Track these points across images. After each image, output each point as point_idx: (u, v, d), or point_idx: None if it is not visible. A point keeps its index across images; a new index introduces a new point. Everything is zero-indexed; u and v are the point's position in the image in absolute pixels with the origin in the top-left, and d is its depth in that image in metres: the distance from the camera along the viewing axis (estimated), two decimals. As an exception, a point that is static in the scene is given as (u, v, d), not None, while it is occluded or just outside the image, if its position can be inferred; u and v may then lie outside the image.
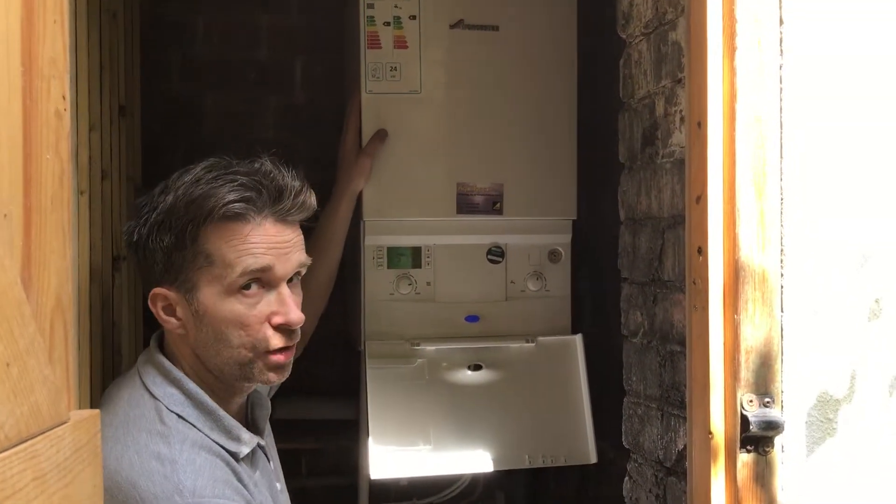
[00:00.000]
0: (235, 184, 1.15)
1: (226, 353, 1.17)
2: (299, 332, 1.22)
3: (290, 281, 1.21)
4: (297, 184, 1.20)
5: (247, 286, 1.16)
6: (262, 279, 1.17)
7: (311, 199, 1.23)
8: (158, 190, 1.19)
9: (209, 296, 1.15)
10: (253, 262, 1.15)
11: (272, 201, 1.17)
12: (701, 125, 0.99)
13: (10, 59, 0.69)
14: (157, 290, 1.18)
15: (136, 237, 1.19)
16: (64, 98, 0.79)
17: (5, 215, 0.67)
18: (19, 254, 0.69)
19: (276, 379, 1.22)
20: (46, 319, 0.74)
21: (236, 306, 1.15)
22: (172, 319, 1.19)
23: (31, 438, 0.66)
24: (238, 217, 1.15)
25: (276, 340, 1.18)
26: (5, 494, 0.61)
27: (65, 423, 0.73)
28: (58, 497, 0.70)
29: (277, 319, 1.17)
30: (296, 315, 1.18)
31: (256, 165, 1.20)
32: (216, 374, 1.20)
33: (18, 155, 0.70)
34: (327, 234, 1.65)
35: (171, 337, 1.22)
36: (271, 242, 1.17)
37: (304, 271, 1.25)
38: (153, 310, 1.19)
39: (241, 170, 1.19)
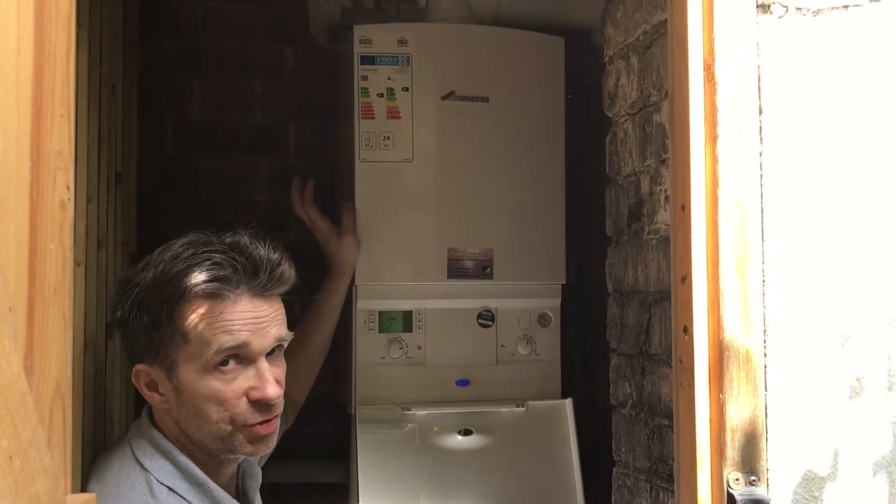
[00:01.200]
0: (210, 262, 1.16)
1: (206, 428, 1.18)
2: (281, 404, 1.22)
3: (271, 353, 1.21)
4: (275, 256, 1.21)
5: (224, 362, 1.16)
6: (240, 355, 1.17)
7: (290, 272, 1.23)
8: (141, 266, 1.21)
9: (187, 373, 1.16)
10: (229, 339, 1.15)
11: (248, 277, 1.18)
12: (685, 208, 1.03)
13: (19, 155, 0.72)
14: (140, 366, 1.19)
15: (119, 314, 1.21)
16: (68, 188, 0.81)
17: (10, 308, 0.69)
18: (23, 345, 0.71)
19: (258, 451, 1.22)
20: (46, 406, 0.75)
21: (213, 383, 1.16)
22: (155, 395, 1.20)
23: (30, 529, 0.68)
24: (212, 295, 1.15)
25: (254, 415, 1.18)
26: (3, 588, 0.62)
27: (62, 510, 0.75)
28: (54, 586, 0.71)
29: (255, 395, 1.17)
30: (273, 390, 1.18)
31: (234, 240, 1.21)
32: (201, 447, 1.21)
33: (25, 248, 0.72)
34: (325, 307, 1.68)
35: (157, 411, 1.23)
36: (247, 319, 1.17)
37: (285, 344, 1.25)
38: (136, 386, 1.21)
39: (217, 246, 1.20)
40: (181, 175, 2.28)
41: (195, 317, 1.15)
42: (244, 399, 1.17)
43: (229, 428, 1.17)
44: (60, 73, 0.80)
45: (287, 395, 1.26)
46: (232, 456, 1.23)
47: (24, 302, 0.72)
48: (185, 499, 1.18)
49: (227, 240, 1.22)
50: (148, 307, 1.16)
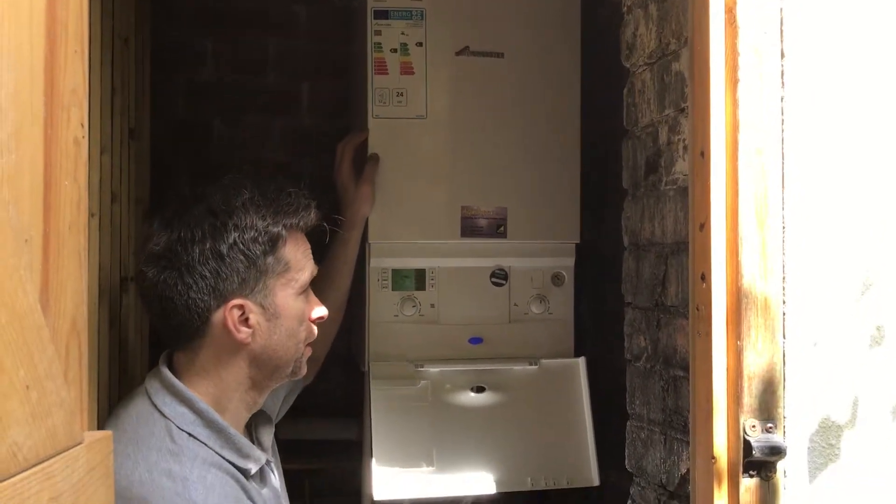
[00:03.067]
0: (302, 198, 1.29)
1: (292, 348, 1.28)
2: None
3: None
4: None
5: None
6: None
7: None
8: (224, 211, 1.23)
9: (285, 298, 1.26)
10: (313, 266, 1.31)
11: (309, 212, 1.31)
12: (704, 155, 1.01)
13: (33, 88, 0.71)
14: (236, 301, 1.23)
15: (208, 258, 1.21)
16: (82, 126, 0.81)
17: (26, 240, 0.69)
18: (38, 278, 0.71)
19: (305, 372, 1.34)
20: (63, 342, 0.75)
21: (302, 304, 1.29)
22: (244, 328, 1.23)
23: (48, 459, 0.68)
24: (301, 228, 1.29)
25: (316, 331, 1.32)
26: (23, 515, 0.62)
27: (79, 444, 0.75)
28: (72, 517, 0.71)
29: (319, 313, 1.31)
30: (325, 308, 1.33)
31: (290, 180, 1.31)
32: (268, 374, 1.27)
33: (39, 182, 0.72)
34: (339, 263, 1.68)
35: (218, 352, 1.24)
36: (309, 248, 1.32)
37: None
38: (230, 322, 1.22)
39: (294, 187, 1.30)
40: (194, 135, 2.27)
41: (294, 247, 1.28)
42: (308, 319, 1.31)
43: (302, 347, 1.30)
44: (74, 8, 0.79)
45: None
46: (285, 380, 1.32)
47: (39, 236, 0.71)
48: (205, 444, 1.19)
49: (285, 179, 1.31)
50: (258, 240, 1.23)
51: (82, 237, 0.80)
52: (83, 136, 0.80)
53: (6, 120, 0.66)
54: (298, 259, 1.28)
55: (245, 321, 1.23)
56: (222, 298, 1.22)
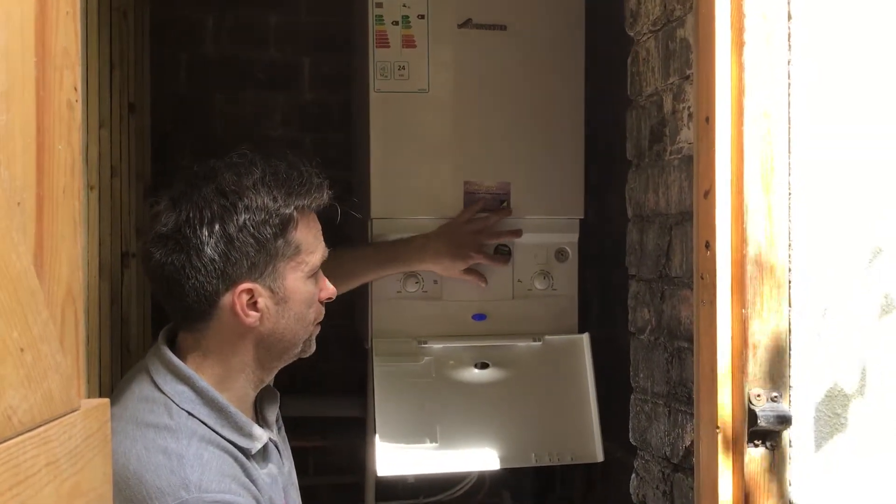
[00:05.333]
0: (316, 177, 1.24)
1: (300, 332, 1.26)
2: None
3: None
4: None
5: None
6: None
7: None
8: (230, 192, 1.19)
9: (294, 281, 1.23)
10: (324, 248, 1.28)
11: (323, 193, 1.27)
12: (709, 120, 0.99)
13: (24, 48, 0.70)
14: (246, 284, 1.19)
15: (219, 242, 1.18)
16: (75, 89, 0.79)
17: (19, 203, 0.68)
18: (32, 242, 0.69)
19: (314, 350, 1.31)
20: (58, 307, 0.74)
21: (311, 287, 1.26)
22: (253, 313, 1.21)
23: (44, 424, 0.67)
24: (313, 209, 1.25)
25: (323, 311, 1.29)
26: (18, 479, 0.61)
27: (76, 410, 0.74)
28: (69, 483, 0.70)
29: (326, 293, 1.29)
30: (334, 288, 1.31)
31: (299, 158, 1.27)
32: (276, 355, 1.25)
33: (32, 144, 0.71)
34: (359, 275, 1.71)
35: (225, 334, 1.22)
36: (320, 230, 1.28)
37: None
38: (238, 307, 1.19)
39: (306, 166, 1.25)
40: (195, 110, 2.26)
41: (306, 229, 1.24)
42: (317, 300, 1.29)
43: (311, 328, 1.27)
44: (65, -31, 0.77)
45: None
46: (292, 360, 1.29)
47: (32, 199, 0.70)
48: (205, 423, 1.18)
49: (297, 161, 1.26)
50: (268, 222, 1.20)
51: (77, 202, 0.79)
52: (76, 100, 0.79)
53: (-4, 79, 0.64)
54: (309, 242, 1.25)
55: (253, 305, 1.21)
56: (231, 282, 1.19)
